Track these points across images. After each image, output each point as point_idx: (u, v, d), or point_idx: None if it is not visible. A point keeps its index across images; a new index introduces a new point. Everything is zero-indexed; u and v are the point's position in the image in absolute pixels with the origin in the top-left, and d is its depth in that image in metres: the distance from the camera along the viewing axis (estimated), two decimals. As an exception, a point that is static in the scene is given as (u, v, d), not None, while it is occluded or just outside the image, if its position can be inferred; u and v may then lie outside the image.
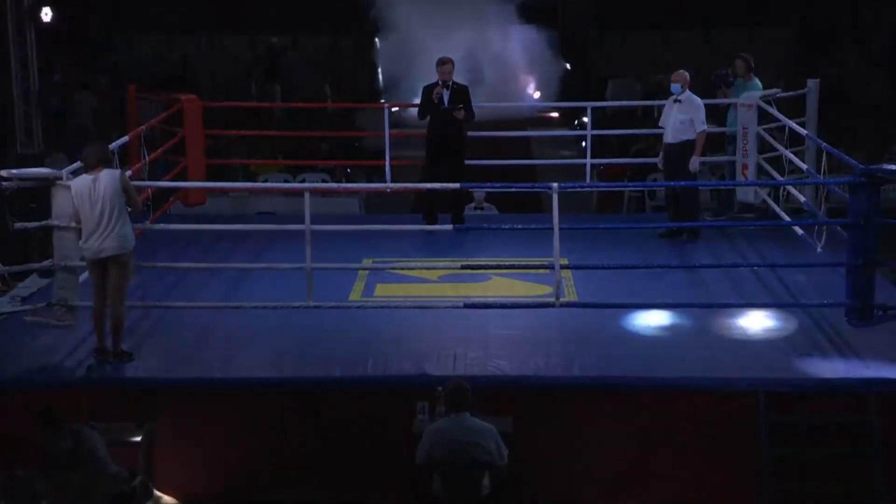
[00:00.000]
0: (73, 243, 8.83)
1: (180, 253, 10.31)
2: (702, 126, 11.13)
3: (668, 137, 11.30)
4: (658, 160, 11.58)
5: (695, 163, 11.12)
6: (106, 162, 8.32)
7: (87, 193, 8.10)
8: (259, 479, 7.97)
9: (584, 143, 13.29)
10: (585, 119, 13.89)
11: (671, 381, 8.00)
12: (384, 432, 7.91)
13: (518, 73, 24.41)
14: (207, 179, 12.51)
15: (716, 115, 12.30)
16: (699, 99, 11.26)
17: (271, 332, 8.88)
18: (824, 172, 10.58)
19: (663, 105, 11.65)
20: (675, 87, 11.23)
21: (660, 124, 11.56)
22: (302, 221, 8.84)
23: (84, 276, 9.01)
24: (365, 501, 7.95)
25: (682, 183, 11.08)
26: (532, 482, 7.85)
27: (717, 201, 12.51)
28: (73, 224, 8.59)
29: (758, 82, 12.16)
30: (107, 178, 8.18)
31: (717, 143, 12.57)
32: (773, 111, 11.55)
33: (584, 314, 9.01)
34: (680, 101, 11.19)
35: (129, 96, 12.62)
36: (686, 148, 11.14)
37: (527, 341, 8.65)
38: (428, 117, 11.57)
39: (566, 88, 22.44)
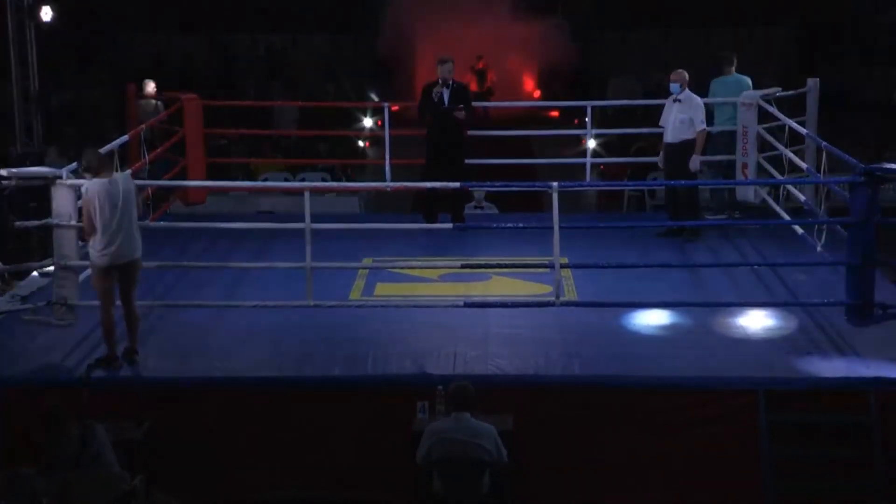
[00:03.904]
0: (73, 243, 8.84)
1: (180, 252, 10.32)
2: (701, 125, 11.14)
3: (668, 137, 11.31)
4: (658, 159, 11.58)
5: (695, 162, 11.13)
6: (108, 165, 8.31)
7: (105, 197, 7.98)
8: (259, 479, 7.96)
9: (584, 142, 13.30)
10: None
11: (671, 381, 8.00)
12: (384, 432, 7.91)
13: (521, 68, 24.50)
14: (207, 178, 12.51)
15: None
16: (699, 98, 11.27)
17: (271, 331, 8.88)
18: (824, 171, 10.58)
19: (663, 104, 11.65)
20: (674, 86, 11.24)
21: (660, 123, 11.56)
22: (302, 220, 8.84)
23: (84, 275, 9.02)
24: (365, 501, 7.94)
25: (683, 182, 11.08)
26: (532, 482, 7.85)
27: (716, 200, 12.52)
28: (73, 223, 8.59)
29: (724, 79, 12.23)
30: (124, 180, 8.16)
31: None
32: (773, 110, 11.55)
33: (584, 313, 9.02)
34: (680, 100, 11.20)
35: (129, 96, 12.62)
36: (686, 147, 11.15)
37: (527, 340, 8.65)
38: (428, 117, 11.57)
39: (571, 82, 22.47)
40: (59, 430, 7.14)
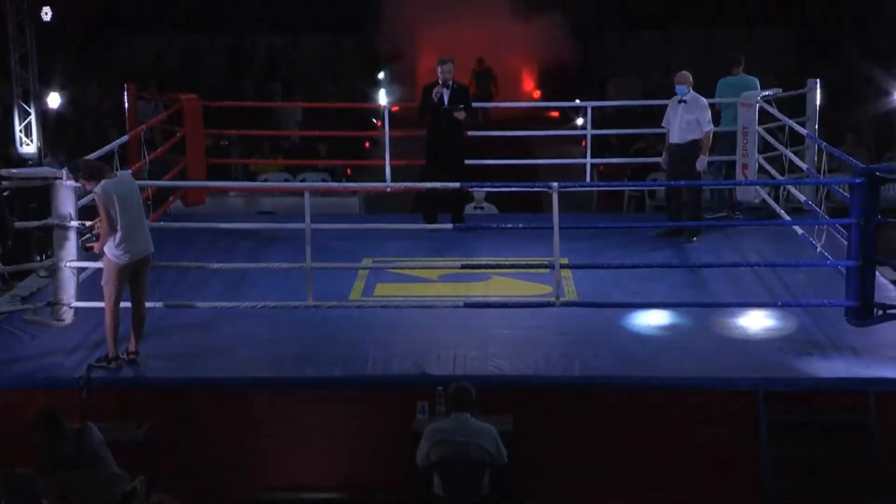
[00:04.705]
0: (73, 243, 8.83)
1: (180, 252, 10.31)
2: (708, 126, 11.15)
3: (675, 137, 11.27)
4: (661, 160, 11.55)
5: (702, 162, 11.13)
6: (108, 167, 8.32)
7: (122, 195, 8.00)
8: (259, 479, 7.96)
9: (584, 143, 13.30)
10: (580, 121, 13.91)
11: (671, 381, 8.00)
12: (384, 432, 7.91)
13: (521, 68, 24.50)
14: (207, 178, 12.51)
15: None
16: (704, 99, 11.27)
17: (271, 331, 8.88)
18: (824, 172, 10.58)
19: (663, 105, 11.64)
20: (681, 88, 11.20)
21: (662, 124, 11.54)
22: (302, 221, 8.84)
23: (84, 275, 9.02)
24: (365, 501, 7.94)
25: (682, 182, 11.08)
26: (532, 482, 7.85)
27: (716, 200, 12.52)
28: (73, 223, 8.58)
29: (730, 79, 12.25)
30: (130, 179, 8.20)
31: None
32: (773, 110, 11.55)
33: (584, 314, 9.01)
34: (686, 101, 11.19)
35: (129, 96, 12.63)
36: (693, 147, 11.15)
37: (527, 341, 8.65)
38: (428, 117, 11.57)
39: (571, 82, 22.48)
40: (55, 431, 7.13)
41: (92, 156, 9.06)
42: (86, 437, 7.14)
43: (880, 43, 22.09)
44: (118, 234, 8.01)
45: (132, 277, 8.22)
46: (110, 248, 8.07)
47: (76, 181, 8.38)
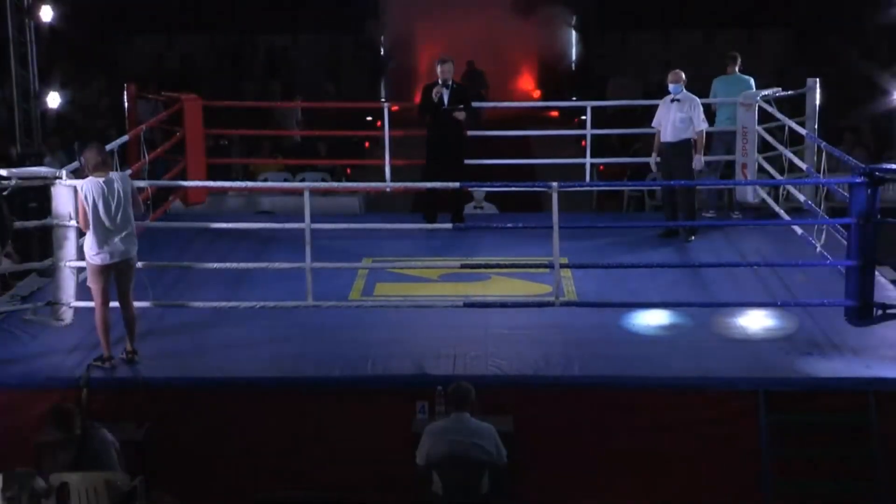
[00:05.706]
0: (73, 243, 8.84)
1: (180, 252, 10.31)
2: (703, 124, 11.15)
3: (668, 136, 11.28)
4: (651, 160, 11.54)
5: (698, 161, 11.13)
6: (107, 164, 8.32)
7: (101, 195, 8.03)
8: (259, 479, 7.96)
9: (584, 143, 13.28)
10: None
11: (671, 381, 8.00)
12: (384, 432, 7.91)
13: (521, 68, 24.47)
14: (207, 178, 12.51)
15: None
16: (697, 98, 11.27)
17: (271, 331, 8.88)
18: (824, 172, 10.59)
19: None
20: (676, 87, 11.22)
21: (652, 124, 11.52)
22: (302, 220, 8.84)
23: (84, 275, 9.02)
24: (365, 501, 7.94)
25: (682, 182, 11.08)
26: (532, 482, 7.85)
27: (710, 199, 12.53)
28: (73, 223, 8.59)
29: (725, 78, 12.28)
30: (120, 180, 8.19)
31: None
32: (773, 110, 11.55)
33: (584, 313, 9.02)
34: (679, 100, 11.19)
35: (129, 96, 12.62)
36: (686, 146, 11.15)
37: (526, 340, 8.65)
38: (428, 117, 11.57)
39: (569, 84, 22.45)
40: (67, 426, 7.14)
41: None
42: (89, 439, 7.14)
43: (879, 43, 22.09)
44: (90, 235, 8.06)
45: (116, 278, 8.24)
46: (87, 250, 8.14)
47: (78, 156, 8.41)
